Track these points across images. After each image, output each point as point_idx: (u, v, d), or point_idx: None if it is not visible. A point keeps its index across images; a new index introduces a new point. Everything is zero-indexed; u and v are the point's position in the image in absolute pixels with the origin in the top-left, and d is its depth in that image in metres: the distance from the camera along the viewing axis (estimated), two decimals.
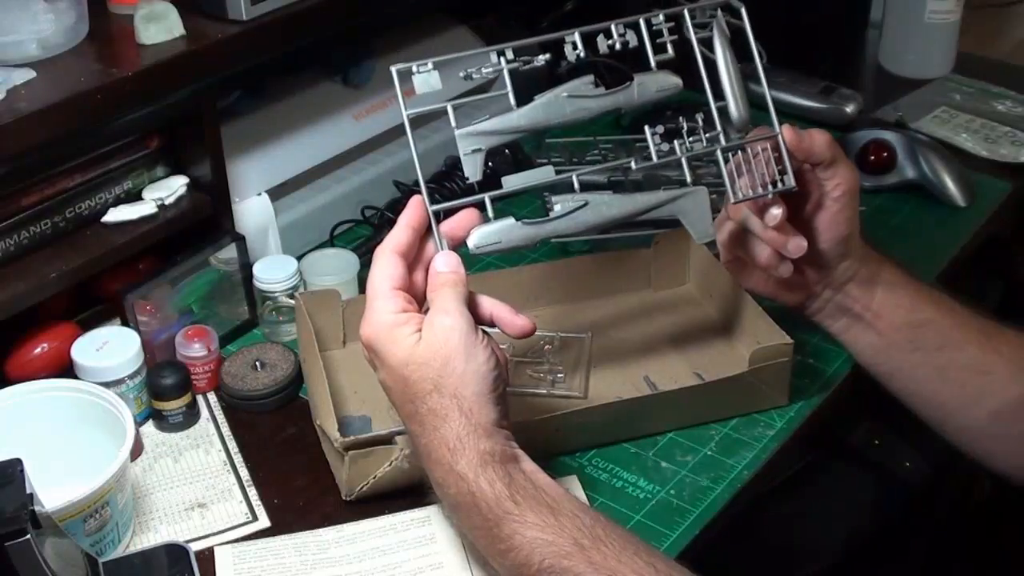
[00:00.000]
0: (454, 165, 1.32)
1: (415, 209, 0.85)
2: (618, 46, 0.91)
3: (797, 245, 0.91)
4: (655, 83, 0.93)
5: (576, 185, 0.90)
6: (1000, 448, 0.96)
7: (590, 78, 0.91)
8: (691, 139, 0.93)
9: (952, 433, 0.98)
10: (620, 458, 0.98)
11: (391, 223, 1.22)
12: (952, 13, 1.59)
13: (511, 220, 0.86)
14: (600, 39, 0.92)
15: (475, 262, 1.23)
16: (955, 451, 1.01)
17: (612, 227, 0.91)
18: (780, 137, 0.93)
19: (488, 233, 0.86)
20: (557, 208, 0.88)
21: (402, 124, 1.31)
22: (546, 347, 1.08)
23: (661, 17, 0.93)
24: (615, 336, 1.10)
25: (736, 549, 1.03)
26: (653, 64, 0.92)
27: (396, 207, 1.25)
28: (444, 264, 0.83)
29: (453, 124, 0.88)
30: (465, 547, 0.88)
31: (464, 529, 0.80)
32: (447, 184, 1.28)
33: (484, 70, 0.89)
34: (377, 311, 0.80)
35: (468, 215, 0.86)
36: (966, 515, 1.48)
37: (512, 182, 0.90)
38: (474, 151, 0.89)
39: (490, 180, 1.30)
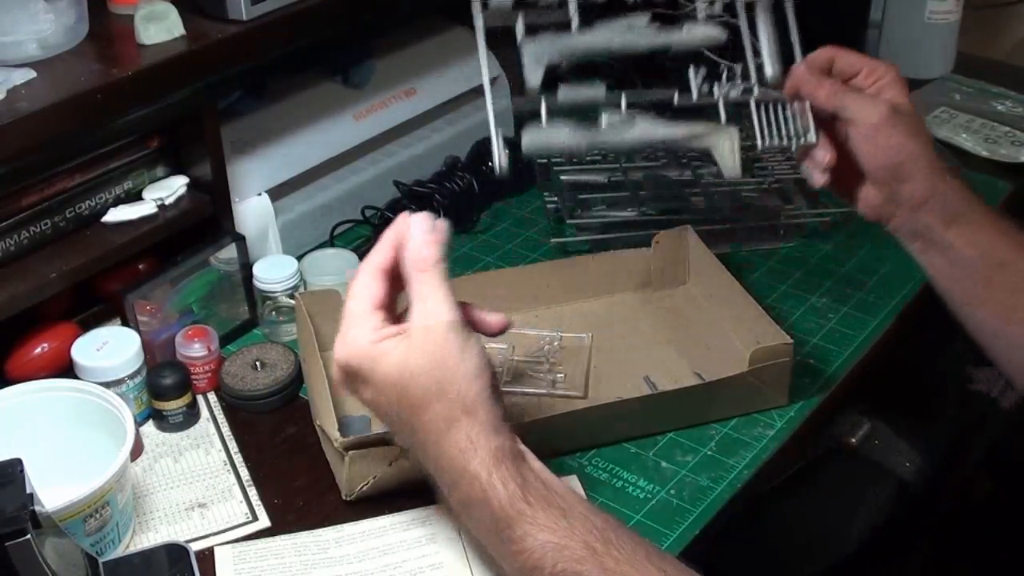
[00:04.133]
0: (454, 165, 1.32)
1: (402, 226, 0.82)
2: None
3: (820, 158, 0.95)
4: (702, 32, 0.99)
5: (623, 105, 0.93)
6: None
7: (647, 16, 0.97)
8: (728, 85, 0.99)
9: (1011, 371, 0.98)
10: (620, 458, 0.98)
11: (391, 223, 1.23)
12: (952, 13, 1.59)
13: (561, 126, 0.89)
14: None
15: (475, 262, 1.24)
16: (955, 451, 1.01)
17: (653, 148, 0.92)
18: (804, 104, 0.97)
19: (538, 135, 0.87)
20: (605, 121, 0.90)
21: (402, 124, 1.32)
22: (546, 347, 1.08)
23: None
24: (615, 336, 1.10)
25: (736, 549, 1.03)
26: (702, 15, 0.99)
27: (396, 207, 1.25)
28: (423, 234, 0.79)
29: (521, 32, 0.92)
30: (465, 547, 0.88)
31: (475, 530, 0.79)
32: (447, 184, 1.28)
33: None
34: (355, 331, 0.77)
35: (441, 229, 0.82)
36: (966, 515, 1.48)
37: (566, 94, 0.92)
38: (536, 63, 0.93)
39: (490, 179, 1.31)
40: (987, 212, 0.96)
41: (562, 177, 1.30)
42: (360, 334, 0.77)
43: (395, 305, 0.81)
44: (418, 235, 0.79)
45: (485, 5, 0.92)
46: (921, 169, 0.94)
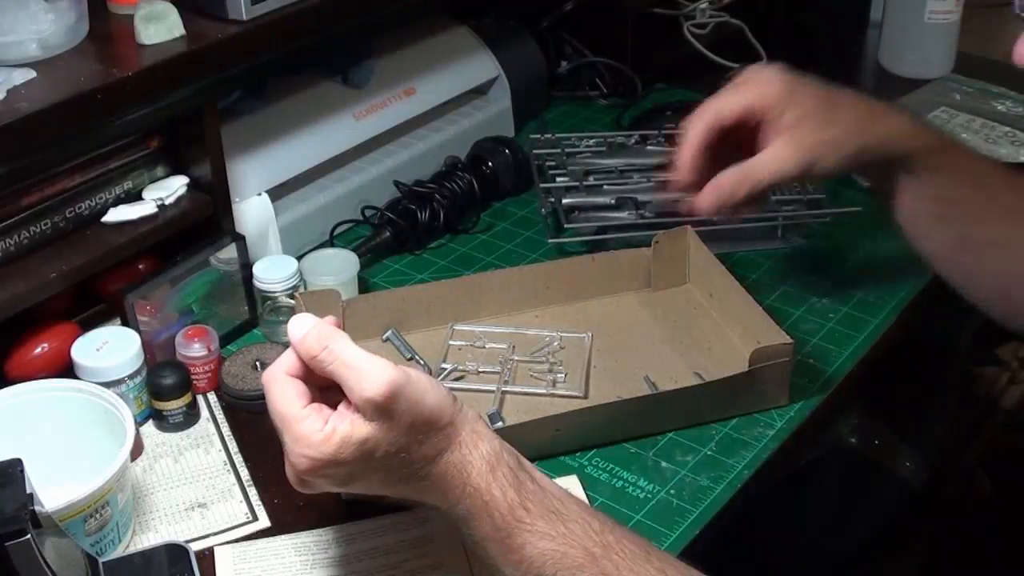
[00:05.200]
0: (454, 165, 1.32)
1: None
2: None
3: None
4: None
5: None
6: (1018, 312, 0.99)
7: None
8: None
9: (974, 299, 1.00)
10: (620, 458, 0.98)
11: (391, 223, 1.24)
12: (952, 13, 1.59)
13: None
14: None
15: (475, 262, 1.24)
16: (955, 451, 1.01)
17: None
18: None
19: None
20: None
21: (402, 124, 1.32)
22: (546, 347, 1.08)
23: None
24: (615, 336, 1.10)
25: (736, 549, 1.03)
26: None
27: (396, 207, 1.25)
28: (303, 326, 0.74)
29: None
30: (465, 548, 0.88)
31: (476, 538, 0.77)
32: (447, 184, 1.28)
33: None
34: (305, 433, 0.72)
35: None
36: (966, 515, 1.48)
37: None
38: None
39: (489, 179, 1.31)
40: (939, 157, 0.96)
41: (559, 179, 1.30)
42: (310, 429, 0.72)
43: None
44: (298, 328, 0.75)
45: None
46: (831, 157, 0.94)
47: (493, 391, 1.03)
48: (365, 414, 0.71)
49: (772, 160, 0.94)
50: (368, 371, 0.71)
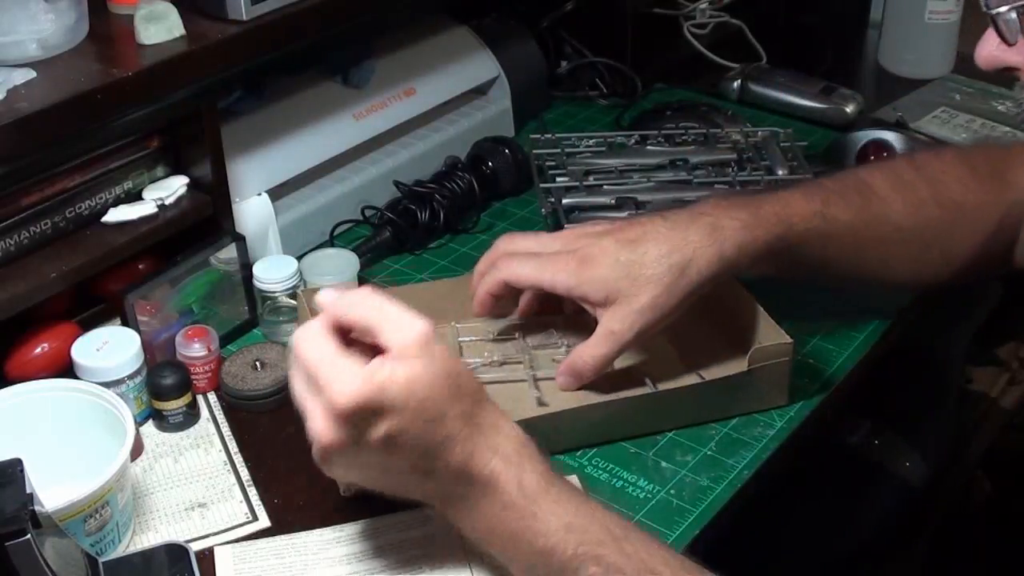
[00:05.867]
0: (454, 165, 1.32)
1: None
2: None
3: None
4: None
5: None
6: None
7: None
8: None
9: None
10: (620, 458, 0.98)
11: (391, 223, 1.24)
12: (952, 13, 1.59)
13: None
14: None
15: (474, 261, 1.23)
16: (955, 451, 1.01)
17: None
18: None
19: None
20: None
21: (402, 124, 1.32)
22: (555, 330, 1.08)
23: None
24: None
25: (736, 549, 1.03)
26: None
27: (396, 207, 1.25)
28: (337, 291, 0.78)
29: None
30: (465, 547, 0.88)
31: (485, 519, 0.77)
32: (447, 184, 1.28)
33: None
34: (344, 372, 0.73)
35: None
36: (966, 515, 1.48)
37: None
38: None
39: (489, 179, 1.31)
40: (766, 253, 0.97)
41: (559, 179, 1.30)
42: (349, 370, 0.73)
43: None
44: (331, 292, 0.79)
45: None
46: (664, 317, 0.96)
47: (525, 379, 1.03)
48: (405, 354, 0.73)
49: (594, 354, 0.97)
50: (405, 315, 0.74)
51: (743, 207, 0.96)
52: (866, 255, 1.02)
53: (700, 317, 1.12)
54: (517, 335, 1.08)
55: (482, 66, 1.42)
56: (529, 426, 0.94)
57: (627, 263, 0.94)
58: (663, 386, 1.02)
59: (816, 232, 0.98)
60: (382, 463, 0.76)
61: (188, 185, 1.10)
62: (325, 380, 0.73)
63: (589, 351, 0.97)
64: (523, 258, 0.99)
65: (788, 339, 0.99)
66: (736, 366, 0.99)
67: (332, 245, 1.23)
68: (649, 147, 1.34)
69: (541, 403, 1.00)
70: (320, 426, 0.74)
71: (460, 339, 1.09)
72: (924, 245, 1.02)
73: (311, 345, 0.75)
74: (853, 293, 1.12)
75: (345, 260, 1.16)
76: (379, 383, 0.72)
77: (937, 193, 1.01)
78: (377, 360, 0.73)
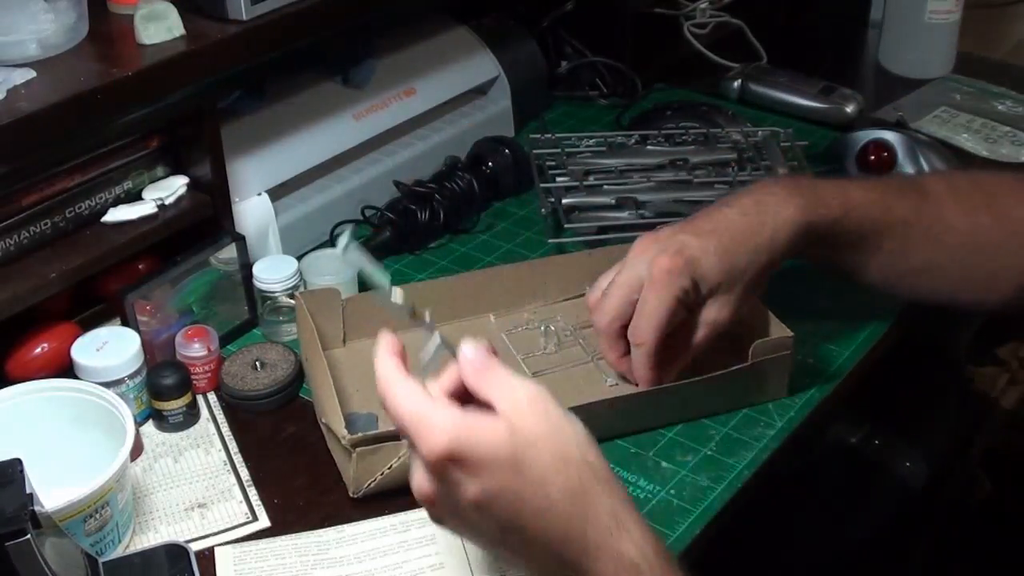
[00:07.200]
0: (454, 165, 1.32)
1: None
2: None
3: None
4: None
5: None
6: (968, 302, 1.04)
7: None
8: None
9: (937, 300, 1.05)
10: (620, 458, 0.98)
11: (391, 223, 1.24)
12: (952, 13, 1.59)
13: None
14: None
15: (475, 262, 1.24)
16: (955, 451, 1.01)
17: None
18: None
19: None
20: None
21: (402, 124, 1.32)
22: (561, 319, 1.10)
23: None
24: None
25: (736, 549, 1.03)
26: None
27: (396, 207, 1.25)
28: (471, 348, 0.70)
29: None
30: (465, 548, 0.88)
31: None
32: (447, 184, 1.28)
33: None
34: (439, 415, 0.66)
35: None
36: (966, 515, 1.48)
37: None
38: None
39: (489, 179, 1.31)
40: (818, 237, 0.98)
41: (559, 179, 1.30)
42: (446, 415, 0.66)
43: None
44: (468, 349, 0.70)
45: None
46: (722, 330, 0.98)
47: (588, 361, 1.05)
48: (512, 414, 0.66)
49: (704, 344, 0.98)
50: (518, 382, 0.68)
51: (802, 191, 0.98)
52: (914, 254, 1.01)
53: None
54: (542, 326, 1.09)
55: (482, 66, 1.42)
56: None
57: (722, 244, 0.96)
58: (666, 381, 1.02)
59: (872, 221, 0.98)
60: (476, 524, 0.69)
61: (188, 185, 1.10)
62: (415, 430, 0.67)
63: (702, 335, 0.98)
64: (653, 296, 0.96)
65: (789, 332, 0.99)
66: (737, 360, 0.99)
67: (332, 245, 1.23)
68: (649, 147, 1.34)
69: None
70: (414, 477, 0.69)
71: (502, 335, 1.10)
72: (974, 251, 1.01)
73: (400, 392, 0.69)
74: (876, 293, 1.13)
75: (345, 260, 1.15)
76: (473, 435, 0.66)
77: (991, 203, 1.01)
78: (477, 410, 0.67)
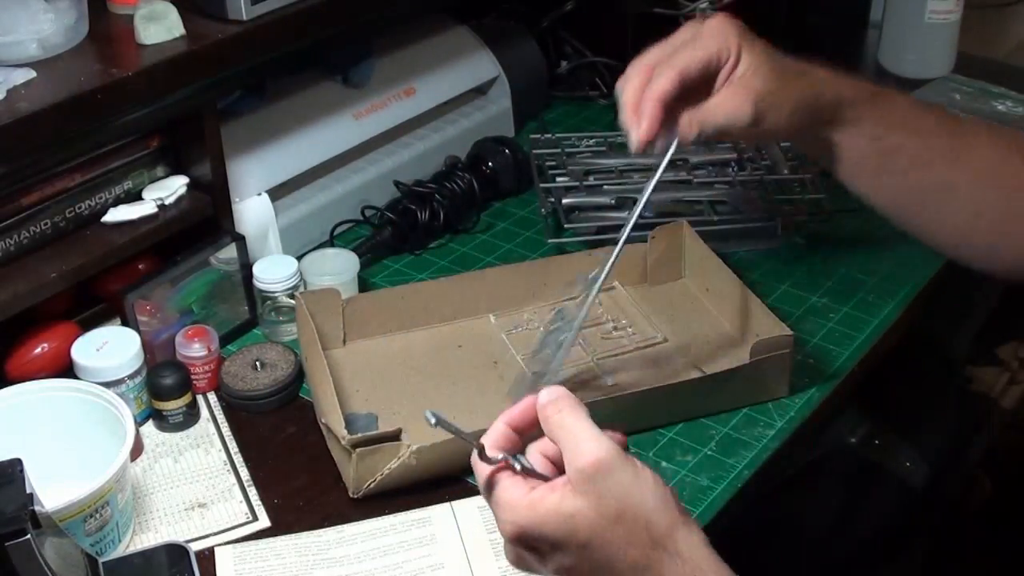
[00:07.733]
0: (454, 165, 1.32)
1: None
2: None
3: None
4: None
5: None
6: (977, 255, 0.98)
7: None
8: None
9: (933, 244, 1.00)
10: None
11: (391, 223, 1.24)
12: (952, 13, 1.59)
13: None
14: None
15: (475, 262, 1.24)
16: (955, 451, 1.01)
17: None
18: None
19: None
20: None
21: (402, 124, 1.32)
22: (600, 310, 1.10)
23: None
24: (614, 332, 1.10)
25: (736, 549, 1.03)
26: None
27: (396, 207, 1.25)
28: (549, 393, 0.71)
29: None
30: (465, 547, 0.88)
31: None
32: (447, 184, 1.28)
33: None
34: (512, 498, 0.68)
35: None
36: (966, 515, 1.48)
37: None
38: None
39: (489, 179, 1.31)
40: (866, 106, 0.95)
41: (559, 179, 1.30)
42: (513, 497, 0.68)
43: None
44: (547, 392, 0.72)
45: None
46: (782, 109, 0.93)
47: (588, 360, 1.05)
48: (576, 486, 0.67)
49: (726, 106, 0.92)
50: (585, 439, 0.68)
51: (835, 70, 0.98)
52: (937, 168, 0.96)
53: (697, 311, 1.13)
54: (557, 324, 1.09)
55: (482, 66, 1.42)
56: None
57: (772, 52, 0.94)
58: (664, 380, 1.02)
59: (902, 112, 0.96)
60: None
61: (188, 185, 1.10)
62: (492, 510, 0.70)
63: (722, 105, 0.92)
64: (685, 47, 0.93)
65: (788, 331, 0.99)
66: (737, 359, 1.00)
67: (332, 245, 1.23)
68: None
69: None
70: (504, 544, 0.71)
71: (502, 335, 1.09)
72: (994, 184, 0.96)
73: (480, 474, 0.70)
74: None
75: (345, 260, 1.16)
76: (540, 516, 0.67)
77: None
78: (545, 487, 0.68)
